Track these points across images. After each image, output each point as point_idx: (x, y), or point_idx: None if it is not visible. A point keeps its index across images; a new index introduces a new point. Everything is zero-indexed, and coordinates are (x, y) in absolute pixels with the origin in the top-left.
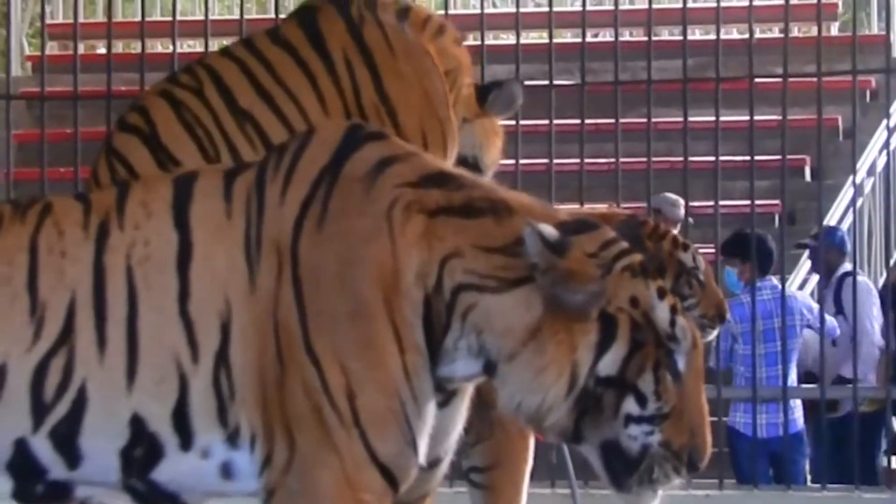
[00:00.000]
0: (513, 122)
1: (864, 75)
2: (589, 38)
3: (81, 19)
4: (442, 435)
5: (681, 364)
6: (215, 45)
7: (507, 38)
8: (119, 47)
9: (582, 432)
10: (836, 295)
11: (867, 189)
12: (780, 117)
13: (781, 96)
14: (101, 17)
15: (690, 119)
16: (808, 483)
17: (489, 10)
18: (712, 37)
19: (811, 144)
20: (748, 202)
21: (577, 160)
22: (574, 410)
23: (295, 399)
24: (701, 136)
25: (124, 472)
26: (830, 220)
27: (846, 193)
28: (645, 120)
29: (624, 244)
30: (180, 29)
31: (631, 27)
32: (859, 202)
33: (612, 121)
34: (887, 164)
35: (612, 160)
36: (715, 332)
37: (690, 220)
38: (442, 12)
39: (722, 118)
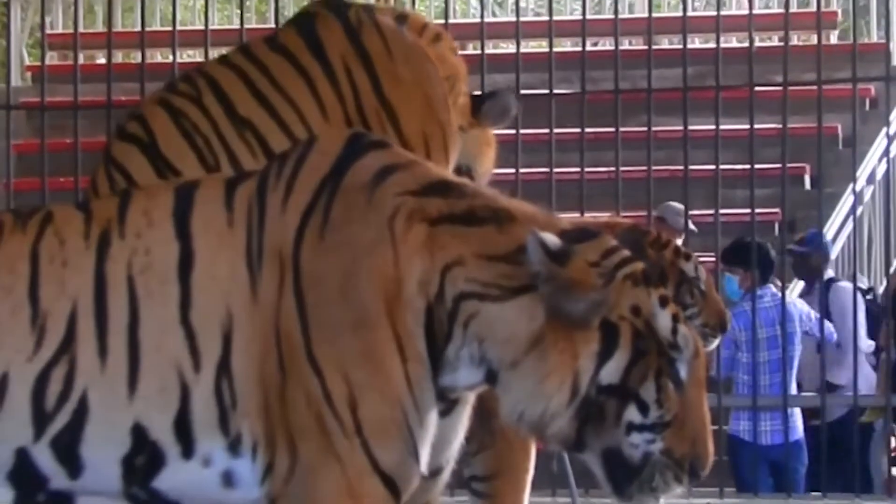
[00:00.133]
0: (513, 131)
1: (864, 83)
2: (589, 47)
3: (81, 29)
4: (444, 444)
5: (682, 372)
6: (215, 54)
7: (507, 47)
8: (119, 57)
9: (584, 440)
10: (823, 301)
11: (867, 197)
12: (780, 125)
13: (781, 104)
14: (101, 27)
15: (690, 127)
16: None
17: (489, 18)
18: (712, 45)
19: (811, 152)
20: (748, 210)
21: (578, 169)
22: (576, 418)
23: (297, 408)
24: (701, 144)
25: (126, 480)
26: (830, 228)
27: (846, 201)
28: (645, 128)
29: (626, 253)
30: (180, 39)
31: (631, 36)
32: (859, 210)
33: (613, 129)
34: (887, 172)
35: (613, 169)
36: (716, 342)
37: (694, 227)
38: (441, 21)
39: (722, 126)
